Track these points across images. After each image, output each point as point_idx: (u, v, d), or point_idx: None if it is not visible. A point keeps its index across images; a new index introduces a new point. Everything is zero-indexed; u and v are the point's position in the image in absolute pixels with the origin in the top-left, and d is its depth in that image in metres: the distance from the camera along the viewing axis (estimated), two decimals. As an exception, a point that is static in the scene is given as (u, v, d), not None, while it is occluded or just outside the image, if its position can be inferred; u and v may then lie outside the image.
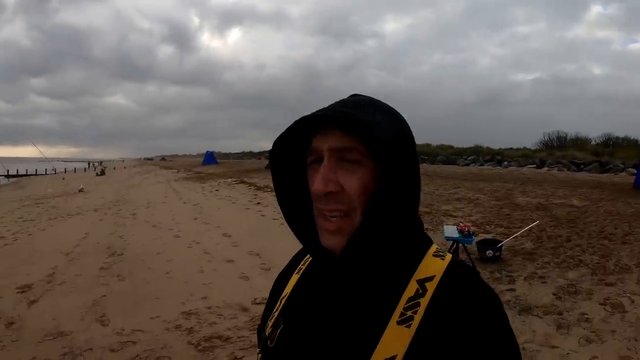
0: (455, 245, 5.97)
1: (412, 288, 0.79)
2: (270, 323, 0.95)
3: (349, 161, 0.79)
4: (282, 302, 0.96)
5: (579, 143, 40.77)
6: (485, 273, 6.11)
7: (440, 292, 0.78)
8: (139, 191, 20.27)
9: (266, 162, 35.39)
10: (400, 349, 0.73)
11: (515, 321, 4.71)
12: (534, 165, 31.79)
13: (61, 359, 4.07)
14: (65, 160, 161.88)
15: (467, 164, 37.09)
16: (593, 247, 7.84)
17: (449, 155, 42.73)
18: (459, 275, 0.82)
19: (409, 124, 0.87)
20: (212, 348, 4.29)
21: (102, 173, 38.17)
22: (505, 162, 34.76)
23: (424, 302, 0.77)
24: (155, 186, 22.81)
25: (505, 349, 0.75)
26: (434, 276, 0.80)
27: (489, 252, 6.96)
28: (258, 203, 14.52)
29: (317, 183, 0.79)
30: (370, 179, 0.79)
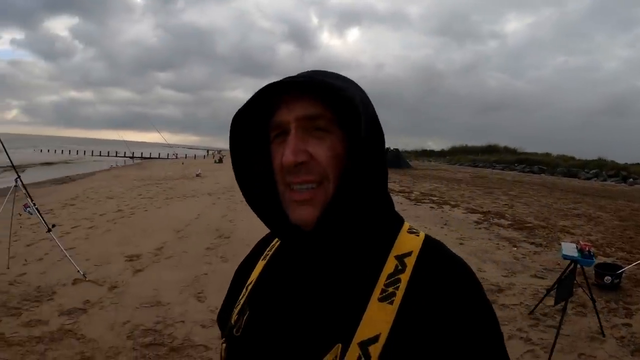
0: (572, 265, 5.33)
1: (391, 264, 0.76)
2: (235, 310, 0.90)
3: (317, 129, 0.76)
4: (248, 289, 0.91)
5: None
6: (600, 302, 5.39)
7: (419, 267, 0.75)
8: (253, 181, 20.79)
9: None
10: (384, 327, 0.70)
11: (626, 360, 4.11)
12: None
13: (154, 326, 4.11)
14: (186, 147, 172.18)
15: (589, 178, 35.03)
16: None
17: (570, 167, 40.48)
18: (435, 250, 0.80)
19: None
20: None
21: (220, 161, 39.67)
22: (631, 179, 32.13)
23: (405, 277, 0.74)
24: (271, 178, 23.30)
25: (486, 320, 0.74)
26: (411, 252, 0.78)
27: (607, 279, 6.08)
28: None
29: (287, 155, 0.76)
30: (340, 147, 0.76)
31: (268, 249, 0.98)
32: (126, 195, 13.67)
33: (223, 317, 0.98)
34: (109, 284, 5.24)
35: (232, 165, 0.87)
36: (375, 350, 0.69)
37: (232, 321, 0.89)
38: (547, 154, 48.08)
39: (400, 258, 0.77)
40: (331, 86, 0.74)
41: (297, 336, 0.75)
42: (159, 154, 61.44)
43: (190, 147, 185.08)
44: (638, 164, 38.05)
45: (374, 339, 0.69)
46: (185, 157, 51.47)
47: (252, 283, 0.92)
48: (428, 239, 0.82)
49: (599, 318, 4.68)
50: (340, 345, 0.70)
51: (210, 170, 25.82)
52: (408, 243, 0.80)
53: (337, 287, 0.77)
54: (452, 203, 14.34)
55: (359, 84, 0.84)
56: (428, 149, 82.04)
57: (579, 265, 5.39)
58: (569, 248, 5.90)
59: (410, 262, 0.76)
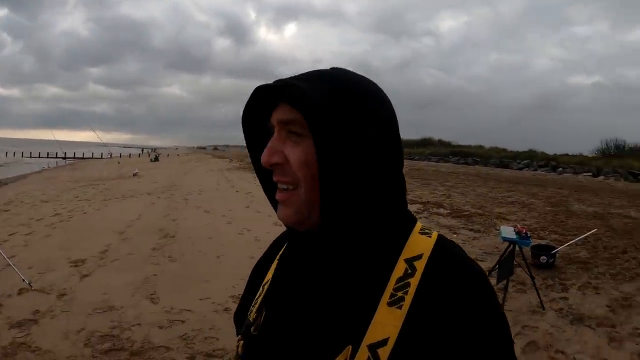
0: (511, 247, 5.71)
1: (400, 268, 0.76)
2: (253, 309, 0.91)
3: (294, 134, 0.77)
4: (265, 288, 0.92)
5: (638, 152, 38.93)
6: (538, 279, 5.79)
7: (430, 271, 0.75)
8: (191, 178, 20.53)
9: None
10: (393, 331, 0.71)
11: (568, 330, 4.54)
12: (590, 174, 30.82)
13: (110, 332, 4.06)
14: (121, 146, 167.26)
15: (521, 168, 36.49)
16: None
17: (502, 158, 42.07)
18: (446, 253, 0.79)
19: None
20: (261, 332, 4.18)
21: (156, 159, 38.94)
22: (560, 169, 33.88)
23: (414, 282, 0.74)
24: (208, 174, 23.05)
25: (496, 326, 0.74)
26: (421, 255, 0.78)
27: (543, 258, 6.69)
28: (314, 194, 14.44)
29: (263, 154, 0.79)
30: (312, 152, 0.74)
31: (284, 248, 0.98)
32: (62, 198, 13.22)
33: (240, 316, 0.99)
34: (56, 291, 5.10)
35: (250, 157, 0.90)
36: (384, 352, 0.70)
37: (251, 319, 0.90)
38: (480, 147, 49.72)
39: (410, 261, 0.77)
40: (295, 91, 0.74)
41: (310, 337, 0.77)
42: (93, 153, 59.41)
43: (125, 146, 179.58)
44: (566, 154, 39.95)
45: (383, 342, 0.70)
46: (120, 156, 49.97)
47: (268, 282, 0.93)
48: (440, 241, 0.82)
49: (538, 293, 5.13)
50: (350, 347, 0.72)
51: (146, 169, 25.30)
52: (419, 245, 0.80)
53: (347, 289, 0.77)
54: (393, 195, 14.69)
55: (351, 83, 0.79)
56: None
57: (517, 247, 5.76)
58: (508, 231, 6.31)
59: (420, 265, 0.76)
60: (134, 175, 21.07)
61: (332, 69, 0.83)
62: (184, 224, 9.05)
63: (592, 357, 4.03)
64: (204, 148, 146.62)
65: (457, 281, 0.74)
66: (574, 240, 7.43)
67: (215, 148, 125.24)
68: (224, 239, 7.92)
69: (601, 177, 28.96)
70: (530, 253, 6.81)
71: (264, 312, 0.87)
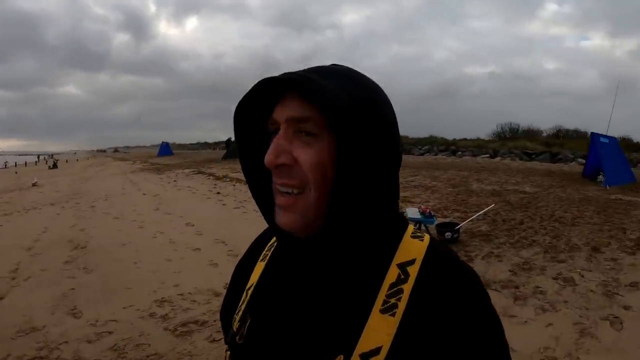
0: (418, 226, 6.21)
1: (393, 273, 0.75)
2: (237, 317, 0.89)
3: (306, 133, 0.73)
4: (249, 294, 0.90)
5: (531, 134, 42.02)
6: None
7: (423, 277, 0.74)
8: (95, 183, 19.83)
9: (223, 152, 34.94)
10: (386, 339, 0.69)
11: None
12: (487, 155, 32.41)
13: (37, 354, 4.03)
14: (15, 154, 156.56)
15: (422, 154, 37.64)
16: (545, 228, 8.41)
17: (404, 145, 43.00)
18: (439, 257, 0.78)
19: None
20: (190, 332, 4.35)
21: (55, 166, 37.01)
22: (460, 152, 35.29)
23: (407, 288, 0.73)
24: (112, 178, 22.33)
25: (490, 331, 0.73)
26: (414, 259, 0.76)
27: (448, 234, 7.34)
28: (218, 193, 14.52)
29: (267, 155, 0.74)
30: (327, 154, 0.72)
31: (266, 249, 0.95)
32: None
33: (224, 319, 0.97)
34: (-28, 319, 4.97)
35: (239, 158, 0.85)
36: None
37: (234, 328, 0.88)
38: None
39: (403, 266, 0.76)
40: (317, 86, 0.70)
41: (299, 346, 0.76)
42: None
43: (20, 154, 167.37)
44: (465, 139, 41.61)
45: (376, 351, 0.69)
46: (16, 165, 46.79)
47: (252, 287, 0.90)
48: (432, 244, 0.80)
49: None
50: (342, 356, 0.71)
51: (46, 178, 23.99)
52: (411, 249, 0.78)
53: (339, 296, 0.76)
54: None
55: (369, 82, 0.78)
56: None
57: (423, 226, 6.28)
58: (413, 212, 6.87)
59: (413, 271, 0.75)
60: (34, 185, 19.90)
61: (333, 65, 0.80)
62: (94, 233, 8.86)
63: (500, 315, 4.46)
64: (104, 151, 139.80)
65: (451, 287, 0.73)
66: (474, 216, 8.26)
67: (116, 150, 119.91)
68: (138, 244, 7.87)
69: (498, 158, 30.57)
70: (435, 231, 7.45)
71: (249, 320, 0.85)
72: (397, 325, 0.70)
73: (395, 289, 0.73)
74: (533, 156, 30.40)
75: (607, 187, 14.61)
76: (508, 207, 10.56)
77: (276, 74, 0.75)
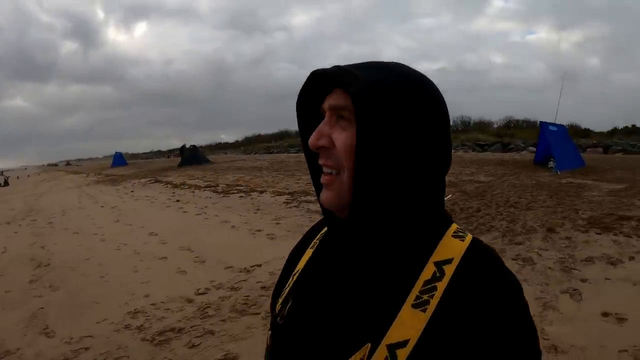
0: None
1: (429, 270, 0.76)
2: (280, 300, 0.95)
3: (344, 120, 0.79)
4: (294, 278, 0.95)
5: (482, 126, 43.32)
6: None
7: (458, 277, 0.74)
8: (50, 199, 19.30)
9: (178, 159, 34.46)
10: (414, 334, 0.71)
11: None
12: None
13: (15, 376, 4.02)
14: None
15: None
16: (501, 214, 8.84)
17: None
18: (478, 259, 0.78)
19: None
20: (168, 340, 4.37)
21: (6, 183, 35.70)
22: None
23: (441, 286, 0.74)
24: (67, 192, 21.79)
25: (522, 340, 0.72)
26: (452, 259, 0.77)
27: None
28: (177, 200, 14.41)
29: (311, 137, 0.82)
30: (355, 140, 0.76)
31: (317, 238, 1.01)
32: None
33: (273, 301, 1.03)
34: (-60, 348, 4.86)
35: (302, 141, 0.91)
36: (403, 354, 0.70)
37: (277, 310, 0.93)
38: None
39: (440, 265, 0.76)
40: (348, 76, 0.76)
41: (331, 330, 0.78)
42: None
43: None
44: None
45: (403, 344, 0.70)
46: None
47: (298, 272, 0.95)
48: (474, 245, 0.80)
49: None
50: (370, 344, 0.72)
51: (-4, 196, 23.20)
52: (450, 248, 0.79)
53: (374, 286, 0.78)
54: (259, 189, 15.18)
55: (404, 74, 0.80)
56: (222, 141, 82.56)
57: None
58: None
59: (449, 270, 0.75)
60: (-16, 205, 19.23)
61: (389, 62, 0.83)
62: (55, 249, 8.70)
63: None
64: (56, 164, 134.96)
65: (486, 289, 0.73)
66: None
67: (68, 163, 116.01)
68: (102, 258, 7.77)
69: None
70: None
71: (290, 303, 0.90)
72: (426, 321, 0.71)
73: (429, 286, 0.74)
74: (486, 147, 31.37)
75: (558, 172, 15.34)
76: (465, 196, 10.91)
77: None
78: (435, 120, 0.78)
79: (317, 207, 10.85)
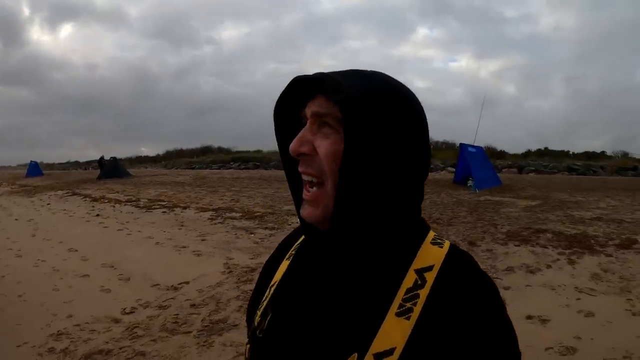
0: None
1: (410, 278, 0.77)
2: (259, 312, 0.93)
3: (327, 127, 0.78)
4: (272, 290, 0.94)
5: None
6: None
7: (440, 283, 0.76)
8: (-46, 212, 18.16)
9: (96, 172, 33.20)
10: (400, 342, 0.72)
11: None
12: None
13: None
14: None
15: None
16: None
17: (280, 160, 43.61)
18: (457, 265, 0.80)
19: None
20: (96, 364, 4.24)
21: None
22: None
23: (423, 293, 0.75)
24: (-26, 204, 20.53)
25: (504, 341, 0.75)
26: (432, 266, 0.78)
27: None
28: (97, 215, 13.93)
29: (292, 143, 0.80)
30: (341, 147, 0.76)
31: (292, 249, 1.00)
32: None
33: (249, 315, 1.01)
34: None
35: (279, 149, 0.91)
36: None
37: (255, 323, 0.92)
38: (259, 151, 52.08)
39: (421, 272, 0.77)
40: (333, 83, 0.76)
41: (316, 342, 0.78)
42: None
43: None
44: None
45: (390, 352, 0.71)
46: None
47: (276, 284, 0.94)
48: (452, 252, 0.82)
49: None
50: (356, 355, 0.73)
51: None
52: (430, 255, 0.80)
53: (356, 295, 0.78)
54: (182, 205, 15.04)
55: (386, 82, 0.81)
56: (142, 155, 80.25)
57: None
58: None
59: (430, 277, 0.77)
60: None
61: (372, 71, 0.84)
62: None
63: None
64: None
65: (466, 294, 0.75)
66: None
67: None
68: (19, 275, 7.34)
69: None
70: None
71: (270, 315, 0.89)
72: (411, 329, 0.72)
73: (412, 293, 0.75)
74: (405, 167, 32.33)
75: (477, 191, 16.24)
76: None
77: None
78: (417, 129, 0.80)
79: (242, 223, 10.94)
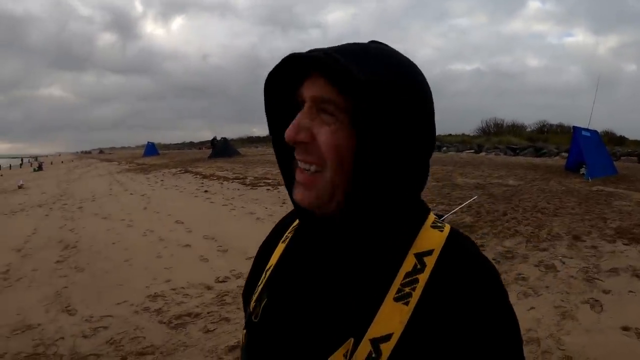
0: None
1: (409, 263, 0.75)
2: (254, 297, 0.91)
3: (328, 113, 0.73)
4: (267, 274, 0.92)
5: (515, 129, 42.82)
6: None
7: (439, 268, 0.74)
8: (81, 185, 19.71)
9: (209, 151, 34.72)
10: (398, 327, 0.70)
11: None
12: (472, 150, 32.57)
13: (35, 350, 4.10)
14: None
15: None
16: (527, 219, 8.63)
17: None
18: (458, 250, 0.77)
19: None
20: (184, 324, 4.46)
21: (40, 168, 36.46)
22: (445, 148, 35.36)
23: (423, 278, 0.73)
24: (98, 179, 22.18)
25: (505, 328, 0.73)
26: (432, 250, 0.76)
27: None
28: (206, 191, 14.53)
29: (288, 130, 0.75)
30: (344, 135, 0.72)
31: (288, 231, 0.96)
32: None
33: (245, 299, 0.99)
34: (-34, 319, 5.01)
35: (269, 129, 0.85)
36: (387, 348, 0.69)
37: (251, 307, 0.90)
38: None
39: (420, 256, 0.75)
40: (340, 67, 0.68)
41: (312, 327, 0.76)
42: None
43: (2, 157, 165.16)
44: (450, 134, 42.40)
45: (387, 338, 0.69)
46: (0, 167, 46.10)
47: (271, 268, 0.91)
48: (452, 235, 0.80)
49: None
50: (352, 339, 0.71)
51: (31, 180, 23.75)
52: (430, 239, 0.78)
53: (354, 280, 0.76)
54: (286, 184, 15.22)
55: (403, 66, 0.75)
56: (253, 135, 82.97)
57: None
58: None
59: (430, 261, 0.74)
60: (20, 187, 19.61)
61: (372, 42, 0.79)
62: (83, 232, 8.88)
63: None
64: (89, 152, 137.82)
65: (467, 280, 0.73)
66: (458, 208, 8.42)
67: (101, 151, 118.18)
68: (128, 242, 7.91)
69: (483, 153, 30.77)
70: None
71: (265, 300, 0.86)
72: (409, 314, 0.70)
73: (411, 278, 0.73)
74: (517, 151, 30.85)
75: (589, 180, 14.95)
76: (491, 199, 10.72)
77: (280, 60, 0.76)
78: (424, 108, 0.76)
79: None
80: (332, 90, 0.72)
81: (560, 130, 40.72)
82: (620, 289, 5.15)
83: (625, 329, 4.21)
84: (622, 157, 26.03)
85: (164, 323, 4.50)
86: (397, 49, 0.79)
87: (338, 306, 0.75)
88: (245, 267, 6.18)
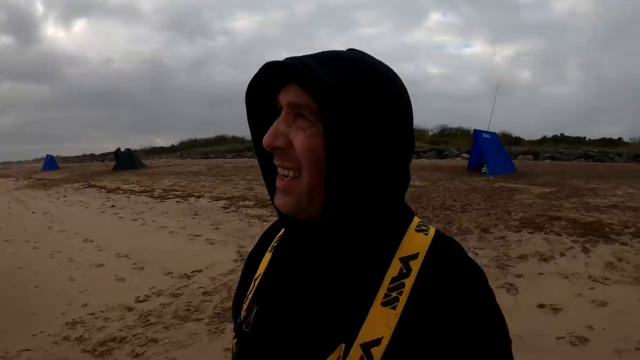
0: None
1: (395, 267, 0.75)
2: (244, 306, 0.92)
3: (303, 118, 0.75)
4: (256, 283, 0.93)
5: (418, 134, 44.43)
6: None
7: (425, 272, 0.74)
8: (-26, 205, 18.40)
9: (112, 164, 33.39)
10: (387, 331, 0.71)
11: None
12: None
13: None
14: None
15: None
16: (437, 217, 9.26)
17: None
18: (443, 252, 0.79)
19: None
20: (110, 351, 4.29)
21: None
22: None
23: (409, 282, 0.74)
24: (-7, 198, 20.78)
25: (492, 329, 0.73)
26: (417, 254, 0.77)
27: None
28: (112, 206, 14.06)
29: (265, 137, 0.76)
30: (319, 140, 0.73)
31: (275, 240, 0.98)
32: None
33: (235, 309, 1.00)
34: None
35: (252, 136, 0.87)
36: (377, 352, 0.70)
37: (242, 317, 0.90)
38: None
39: (406, 261, 0.76)
40: (312, 75, 0.70)
41: (302, 334, 0.77)
42: None
43: None
44: None
45: (377, 342, 0.70)
46: None
47: (260, 277, 0.92)
48: (437, 238, 0.80)
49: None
50: (343, 345, 0.72)
51: None
52: (415, 243, 0.78)
53: (341, 286, 0.77)
54: (196, 194, 15.13)
55: (377, 73, 0.76)
56: (157, 146, 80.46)
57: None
58: None
59: (415, 265, 0.75)
60: None
61: (350, 50, 0.80)
62: None
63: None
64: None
65: (452, 282, 0.74)
66: None
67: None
68: (35, 266, 7.47)
69: None
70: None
71: (255, 309, 0.87)
72: (397, 318, 0.71)
73: (397, 283, 0.74)
74: (421, 154, 32.28)
75: (491, 177, 16.10)
76: (401, 200, 11.20)
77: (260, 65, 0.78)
78: (400, 112, 0.76)
79: (255, 212, 10.96)
80: (306, 96, 0.73)
81: (460, 133, 43.34)
82: (531, 272, 5.75)
83: (541, 306, 4.78)
84: (519, 156, 28.27)
85: (88, 352, 4.30)
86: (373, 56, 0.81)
87: (327, 312, 0.76)
88: (165, 284, 6.14)
